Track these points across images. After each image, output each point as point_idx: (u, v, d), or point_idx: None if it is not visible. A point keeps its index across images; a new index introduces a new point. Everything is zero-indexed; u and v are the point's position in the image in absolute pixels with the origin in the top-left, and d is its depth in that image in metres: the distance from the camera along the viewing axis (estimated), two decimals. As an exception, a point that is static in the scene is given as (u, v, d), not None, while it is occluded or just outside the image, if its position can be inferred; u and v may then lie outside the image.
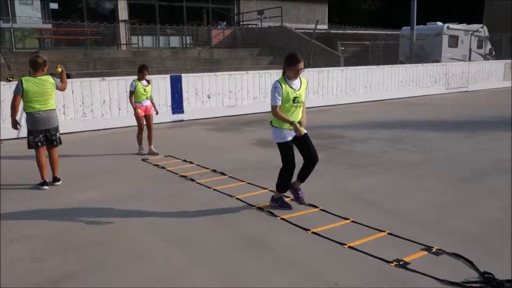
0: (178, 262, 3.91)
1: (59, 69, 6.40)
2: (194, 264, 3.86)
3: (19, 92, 5.96)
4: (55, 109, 6.23)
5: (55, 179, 6.31)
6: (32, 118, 6.03)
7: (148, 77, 8.20)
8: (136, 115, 8.13)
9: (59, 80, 6.34)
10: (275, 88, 4.81)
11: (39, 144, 6.09)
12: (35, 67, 6.01)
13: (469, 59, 22.29)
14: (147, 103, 8.19)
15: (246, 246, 4.21)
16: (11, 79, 9.82)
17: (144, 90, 8.07)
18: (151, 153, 8.11)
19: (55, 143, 6.24)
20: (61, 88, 6.37)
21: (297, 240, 4.32)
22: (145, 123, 8.19)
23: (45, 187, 6.11)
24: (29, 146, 6.15)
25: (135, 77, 8.17)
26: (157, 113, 8.52)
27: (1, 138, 9.42)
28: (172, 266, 3.83)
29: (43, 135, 6.10)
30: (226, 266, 3.83)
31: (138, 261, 3.94)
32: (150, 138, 8.23)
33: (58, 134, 6.27)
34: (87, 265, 3.87)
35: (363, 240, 4.23)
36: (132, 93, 8.00)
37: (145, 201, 5.58)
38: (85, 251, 4.15)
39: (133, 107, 8.08)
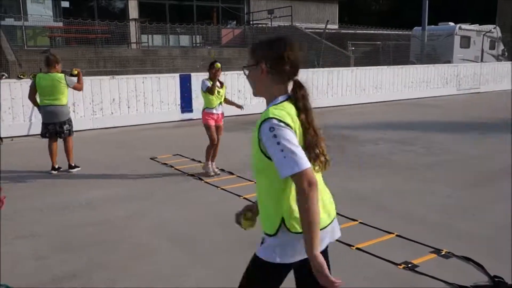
0: (183, 262, 3.89)
1: (75, 72, 6.98)
2: (198, 264, 3.84)
3: (32, 85, 6.66)
4: (64, 104, 6.71)
5: (70, 167, 6.83)
6: (42, 111, 6.70)
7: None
8: (205, 123, 6.67)
9: (72, 79, 6.83)
10: None
11: (47, 135, 6.72)
12: (47, 64, 6.63)
13: (481, 60, 22.06)
14: (220, 110, 6.71)
15: (253, 247, 4.18)
16: (22, 76, 9.89)
17: (218, 93, 6.58)
18: (205, 169, 6.68)
19: (63, 135, 6.74)
20: (76, 87, 6.93)
21: (304, 241, 4.28)
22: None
23: (53, 171, 6.74)
24: (41, 135, 6.86)
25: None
26: (242, 109, 7.18)
27: (12, 135, 9.48)
28: (176, 266, 3.82)
29: (51, 127, 6.65)
30: (231, 266, 3.80)
31: (142, 260, 3.93)
32: (214, 155, 6.77)
33: (67, 126, 6.75)
34: (91, 263, 3.87)
35: (371, 241, 4.19)
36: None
37: (152, 199, 5.58)
38: (89, 249, 4.15)
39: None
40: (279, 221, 1.96)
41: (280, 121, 1.87)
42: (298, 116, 1.96)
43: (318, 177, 2.07)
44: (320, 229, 1.88)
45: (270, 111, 1.93)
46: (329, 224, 2.04)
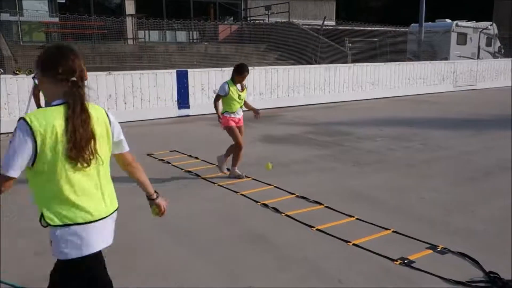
0: (181, 257, 3.90)
1: None
2: (197, 259, 3.85)
3: (35, 83, 6.72)
4: None
5: None
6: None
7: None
8: (226, 125, 6.21)
9: None
10: None
11: None
12: None
13: (478, 57, 22.11)
14: (241, 114, 6.29)
15: (250, 242, 4.20)
16: (17, 72, 9.85)
17: (239, 97, 6.17)
18: (234, 174, 6.33)
19: None
20: None
21: (301, 237, 4.30)
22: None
23: None
24: None
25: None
26: (258, 114, 6.55)
27: (8, 132, 9.45)
28: (175, 261, 3.83)
29: None
30: (229, 262, 3.82)
31: (141, 255, 3.94)
32: (237, 158, 6.30)
33: None
34: (90, 258, 3.87)
35: (367, 237, 4.21)
36: (220, 98, 6.15)
37: (149, 195, 5.57)
38: (89, 244, 4.15)
39: (218, 116, 6.20)
40: (39, 214, 2.26)
41: (27, 124, 2.06)
42: (69, 117, 2.09)
43: (102, 172, 2.50)
44: (69, 225, 2.22)
45: (30, 113, 2.13)
46: (81, 224, 2.28)
